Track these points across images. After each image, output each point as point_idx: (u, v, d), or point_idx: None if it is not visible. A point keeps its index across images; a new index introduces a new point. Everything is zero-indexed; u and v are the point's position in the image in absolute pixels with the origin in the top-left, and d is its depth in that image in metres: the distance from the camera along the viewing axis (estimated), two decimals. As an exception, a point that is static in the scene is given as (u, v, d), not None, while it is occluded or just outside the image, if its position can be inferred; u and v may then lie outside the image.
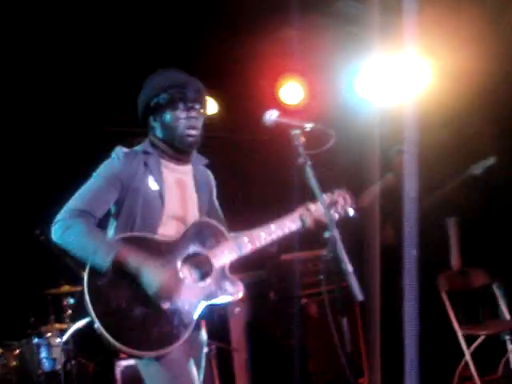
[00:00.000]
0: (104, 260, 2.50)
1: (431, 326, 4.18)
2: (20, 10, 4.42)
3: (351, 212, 2.99)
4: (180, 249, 2.71)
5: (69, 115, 6.04)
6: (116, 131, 6.62)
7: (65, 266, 4.94)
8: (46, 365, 4.96)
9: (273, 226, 2.88)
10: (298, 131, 2.58)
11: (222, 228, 2.88)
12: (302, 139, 2.56)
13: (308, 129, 2.59)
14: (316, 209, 2.93)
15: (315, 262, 5.20)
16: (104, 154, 6.44)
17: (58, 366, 4.98)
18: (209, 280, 2.71)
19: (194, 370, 2.74)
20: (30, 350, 4.94)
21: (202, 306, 2.67)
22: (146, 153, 2.81)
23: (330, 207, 2.85)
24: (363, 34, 5.19)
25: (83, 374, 5.17)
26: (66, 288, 5.15)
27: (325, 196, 2.92)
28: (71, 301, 5.16)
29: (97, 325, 2.45)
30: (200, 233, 2.79)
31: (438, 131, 5.23)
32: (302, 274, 5.13)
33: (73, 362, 4.90)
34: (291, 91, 5.92)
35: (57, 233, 2.63)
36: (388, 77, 5.66)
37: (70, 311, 5.12)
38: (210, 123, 6.85)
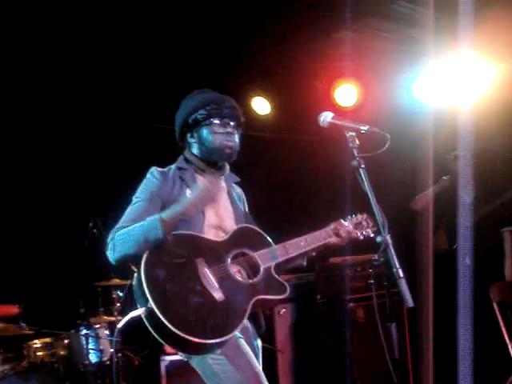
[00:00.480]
0: (157, 233, 2.61)
1: (483, 337, 4.08)
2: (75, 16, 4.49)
3: (371, 234, 3.15)
4: (228, 247, 2.83)
5: (121, 112, 6.15)
6: (167, 128, 6.70)
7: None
8: (93, 356, 5.03)
9: (307, 238, 3.02)
10: (353, 133, 2.57)
11: (265, 234, 3.00)
12: (357, 141, 2.55)
13: (363, 131, 2.57)
14: (349, 224, 3.15)
15: (364, 266, 5.14)
16: (155, 150, 6.56)
17: (105, 358, 5.07)
18: (256, 279, 2.79)
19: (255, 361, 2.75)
20: (78, 341, 5.02)
21: (252, 301, 2.72)
22: (180, 169, 2.97)
23: (378, 213, 2.82)
24: (419, 35, 5.12)
25: (129, 367, 5.25)
26: (115, 281, 5.24)
27: (348, 219, 3.20)
28: (120, 294, 5.24)
29: (150, 305, 2.50)
30: (246, 236, 2.92)
31: (495, 137, 5.12)
32: (351, 278, 5.08)
33: (119, 355, 4.98)
34: (346, 93, 5.88)
35: (111, 252, 2.71)
36: (444, 80, 5.56)
37: (118, 304, 5.20)
38: (262, 123, 6.93)
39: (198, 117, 2.93)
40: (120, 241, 2.67)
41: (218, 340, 2.55)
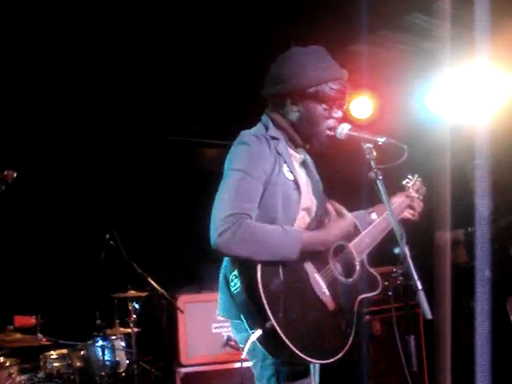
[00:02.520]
0: (292, 253, 2.35)
1: (500, 349, 4.06)
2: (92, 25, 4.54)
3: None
4: None
5: (137, 124, 6.20)
6: (182, 141, 6.76)
7: (132, 270, 5.06)
8: (109, 367, 5.04)
9: (385, 216, 2.76)
10: (370, 145, 2.53)
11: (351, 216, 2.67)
12: (374, 153, 2.52)
13: (380, 143, 2.54)
14: (413, 191, 3.06)
15: (380, 278, 5.11)
16: (170, 162, 6.57)
17: (121, 369, 5.08)
18: (355, 275, 2.63)
19: None
20: (94, 352, 5.04)
21: (357, 303, 2.60)
22: (273, 138, 2.56)
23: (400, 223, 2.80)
24: (434, 48, 5.12)
25: (144, 379, 5.25)
26: (131, 293, 5.25)
27: (409, 187, 3.07)
28: (136, 305, 5.25)
29: (271, 325, 2.25)
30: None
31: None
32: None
33: (135, 366, 4.99)
34: (361, 106, 5.89)
35: (227, 242, 2.29)
36: (461, 92, 5.56)
37: (134, 316, 5.21)
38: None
39: (325, 91, 2.54)
40: (247, 237, 2.30)
41: (334, 358, 2.45)
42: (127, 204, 6.08)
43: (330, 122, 2.62)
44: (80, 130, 5.92)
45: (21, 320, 4.79)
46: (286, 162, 2.55)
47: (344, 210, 2.62)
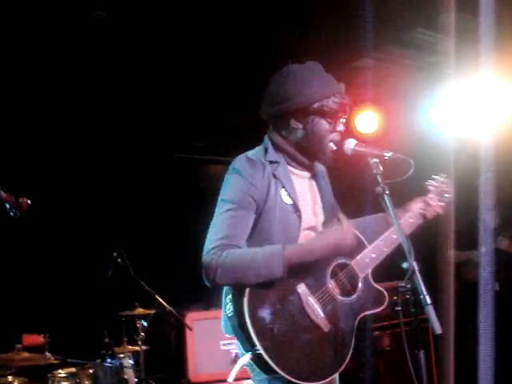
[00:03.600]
0: (276, 270, 2.34)
1: (506, 364, 4.03)
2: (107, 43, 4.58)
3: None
4: (325, 261, 2.56)
5: (143, 142, 6.23)
6: (189, 158, 6.78)
7: (139, 288, 5.06)
8: (118, 385, 5.02)
9: (395, 227, 2.59)
10: (376, 160, 2.53)
11: (356, 232, 2.64)
12: (381, 168, 2.52)
13: (387, 158, 2.54)
14: (434, 196, 2.91)
15: (389, 293, 5.08)
16: (177, 179, 6.58)
17: (129, 388, 5.06)
18: (357, 292, 2.60)
19: None
20: (102, 371, 5.02)
21: (357, 321, 2.58)
22: (272, 162, 2.55)
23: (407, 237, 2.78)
24: (439, 62, 5.13)
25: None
26: (139, 310, 5.24)
27: (432, 189, 2.91)
28: (144, 323, 5.24)
29: (258, 350, 2.30)
30: None
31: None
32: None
33: (143, 384, 4.98)
34: (366, 120, 5.91)
35: (212, 274, 2.34)
36: (466, 105, 5.56)
37: (142, 333, 5.20)
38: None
39: (327, 105, 2.53)
40: (227, 265, 2.32)
41: (328, 379, 2.44)
42: (134, 221, 6.08)
43: (335, 136, 2.62)
44: (87, 147, 5.95)
45: (29, 339, 4.79)
46: (283, 187, 2.53)
47: (344, 219, 2.58)
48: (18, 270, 5.50)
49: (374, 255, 2.68)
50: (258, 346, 2.29)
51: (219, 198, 2.50)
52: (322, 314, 2.48)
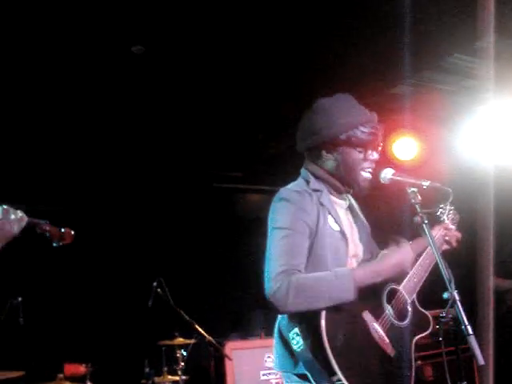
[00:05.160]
0: (348, 294, 2.35)
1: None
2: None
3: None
4: (380, 287, 2.56)
5: (183, 173, 6.30)
6: (226, 188, 6.83)
7: (179, 318, 5.07)
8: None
9: (428, 252, 2.73)
10: (414, 189, 2.52)
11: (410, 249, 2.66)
12: (419, 197, 2.51)
13: (425, 187, 2.53)
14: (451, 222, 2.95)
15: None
16: (214, 210, 6.62)
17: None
18: (409, 317, 2.62)
19: None
20: (143, 400, 5.04)
21: (413, 345, 2.58)
22: (316, 191, 2.59)
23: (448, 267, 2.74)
24: (477, 87, 5.09)
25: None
26: (179, 340, 5.26)
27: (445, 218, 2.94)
28: (184, 353, 5.25)
29: (339, 380, 2.25)
30: None
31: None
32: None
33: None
34: (404, 147, 5.86)
35: (284, 300, 2.31)
36: (504, 131, 5.48)
37: (182, 363, 5.21)
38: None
39: (357, 136, 2.57)
40: (299, 289, 2.31)
41: None
42: (174, 251, 6.14)
43: (366, 165, 2.63)
44: (129, 179, 6.05)
45: (71, 368, 4.83)
46: (330, 213, 2.56)
47: (401, 240, 2.60)
48: (60, 300, 5.58)
49: (415, 280, 2.70)
50: (340, 375, 2.24)
51: (271, 227, 2.51)
52: (387, 340, 2.47)
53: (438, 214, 2.98)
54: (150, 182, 6.19)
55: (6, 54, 4.05)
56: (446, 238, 2.89)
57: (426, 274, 2.73)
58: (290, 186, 2.64)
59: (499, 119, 5.43)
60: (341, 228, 2.58)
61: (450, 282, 2.35)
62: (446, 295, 2.33)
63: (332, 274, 2.39)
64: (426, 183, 2.53)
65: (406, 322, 2.60)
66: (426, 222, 2.44)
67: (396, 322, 2.55)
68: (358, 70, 4.94)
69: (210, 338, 5.13)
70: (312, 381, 2.36)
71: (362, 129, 2.58)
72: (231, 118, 5.53)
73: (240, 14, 3.95)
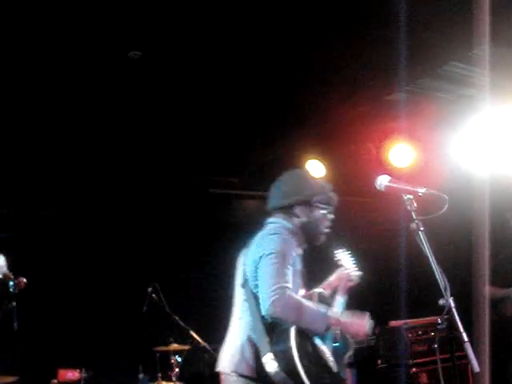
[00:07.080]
0: (321, 327, 2.77)
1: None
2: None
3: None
4: None
5: (179, 178, 6.30)
6: (222, 194, 6.83)
7: (174, 324, 5.06)
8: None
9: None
10: (410, 196, 2.55)
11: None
12: (415, 204, 2.53)
13: (421, 194, 2.56)
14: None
15: (425, 329, 5.01)
16: (210, 215, 6.61)
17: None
18: (338, 338, 2.99)
19: None
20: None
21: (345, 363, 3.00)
22: (294, 234, 3.04)
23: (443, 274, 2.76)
24: (473, 95, 5.11)
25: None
26: (173, 346, 5.24)
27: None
28: (178, 359, 5.24)
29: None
30: (322, 297, 3.07)
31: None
32: (412, 342, 4.95)
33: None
34: (400, 154, 5.87)
35: (279, 311, 2.70)
36: (499, 139, 5.49)
37: (176, 369, 5.19)
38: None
39: (322, 200, 3.09)
40: (294, 306, 2.73)
41: None
42: (169, 257, 6.13)
43: (328, 223, 3.12)
44: (123, 184, 6.05)
45: (65, 373, 4.82)
46: (298, 254, 3.01)
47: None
48: (55, 305, 5.57)
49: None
50: (305, 380, 2.64)
51: (262, 253, 2.86)
52: (332, 358, 2.86)
53: (336, 259, 3.40)
54: (145, 187, 6.18)
55: (5, 59, 4.05)
56: (350, 277, 3.29)
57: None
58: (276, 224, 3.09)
59: (495, 127, 5.44)
60: (301, 267, 3.04)
61: (445, 290, 2.36)
62: (441, 302, 2.34)
63: (316, 307, 2.83)
64: (421, 190, 2.58)
65: (337, 344, 2.98)
66: (422, 228, 2.47)
67: (334, 344, 2.96)
68: (354, 78, 4.96)
69: (205, 344, 5.12)
70: None
71: (328, 195, 3.12)
72: (227, 123, 5.54)
73: (236, 22, 3.97)
